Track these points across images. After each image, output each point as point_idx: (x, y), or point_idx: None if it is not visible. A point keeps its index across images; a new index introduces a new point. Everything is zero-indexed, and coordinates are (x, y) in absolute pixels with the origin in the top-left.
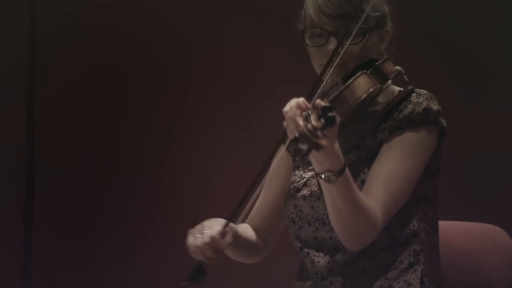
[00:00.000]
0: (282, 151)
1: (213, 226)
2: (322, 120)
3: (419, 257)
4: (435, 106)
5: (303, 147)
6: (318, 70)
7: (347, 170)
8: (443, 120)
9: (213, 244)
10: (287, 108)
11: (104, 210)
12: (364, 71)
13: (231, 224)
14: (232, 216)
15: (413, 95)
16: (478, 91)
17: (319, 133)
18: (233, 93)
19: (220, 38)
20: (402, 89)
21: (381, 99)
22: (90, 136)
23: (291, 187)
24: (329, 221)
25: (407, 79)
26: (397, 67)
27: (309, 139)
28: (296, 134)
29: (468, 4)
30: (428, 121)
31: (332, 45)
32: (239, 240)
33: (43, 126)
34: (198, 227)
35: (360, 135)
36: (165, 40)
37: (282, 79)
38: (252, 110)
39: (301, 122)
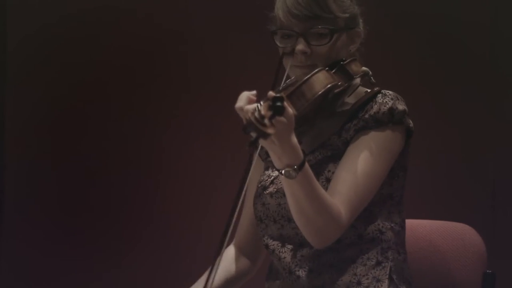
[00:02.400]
0: (255, 161)
1: None
2: (271, 109)
3: (387, 255)
4: (401, 106)
5: (252, 135)
6: (289, 71)
7: (307, 165)
8: (410, 121)
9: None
10: (238, 102)
11: (93, 213)
12: (326, 68)
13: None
14: (219, 250)
15: (379, 95)
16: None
17: (266, 121)
18: (231, 94)
19: (216, 40)
20: (369, 90)
21: (350, 100)
22: (77, 138)
23: (259, 185)
24: None
25: (374, 81)
26: (364, 68)
27: (256, 126)
28: (244, 122)
29: (469, 3)
30: (394, 120)
31: (300, 46)
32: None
33: (20, 127)
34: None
35: (326, 134)
36: (158, 40)
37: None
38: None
39: (250, 111)
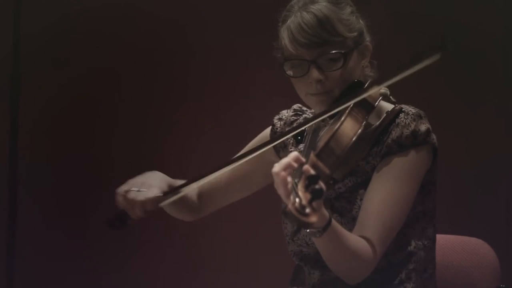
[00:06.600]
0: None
1: (152, 187)
2: (309, 191)
3: (411, 275)
4: (423, 127)
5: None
6: (305, 99)
7: (333, 223)
8: (434, 137)
9: (145, 205)
10: (275, 169)
11: (93, 213)
12: (348, 110)
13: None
14: (188, 183)
15: (401, 115)
16: None
17: (307, 210)
18: (228, 96)
19: (220, 42)
20: (390, 110)
21: (372, 120)
22: (82, 137)
23: None
24: None
25: (394, 100)
26: (382, 91)
27: (298, 219)
28: (286, 210)
29: (467, 5)
30: (418, 142)
31: (314, 75)
32: (181, 201)
33: (28, 127)
34: (138, 180)
35: (354, 161)
36: (160, 42)
37: (279, 82)
38: (247, 113)
39: (291, 202)
